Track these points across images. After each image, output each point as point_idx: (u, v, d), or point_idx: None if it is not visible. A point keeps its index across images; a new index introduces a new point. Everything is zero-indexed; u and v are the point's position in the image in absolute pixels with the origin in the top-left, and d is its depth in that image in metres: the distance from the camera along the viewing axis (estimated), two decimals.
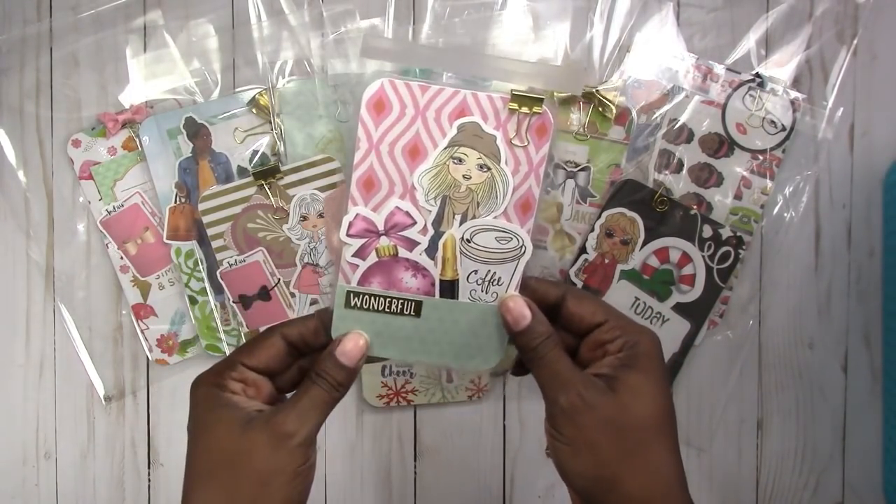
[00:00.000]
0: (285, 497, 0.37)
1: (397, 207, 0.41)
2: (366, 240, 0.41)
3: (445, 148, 0.41)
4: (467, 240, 0.42)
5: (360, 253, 0.41)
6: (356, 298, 0.42)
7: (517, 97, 0.41)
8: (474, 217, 0.41)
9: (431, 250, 0.42)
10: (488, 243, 0.42)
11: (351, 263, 0.42)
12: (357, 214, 0.41)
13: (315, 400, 0.39)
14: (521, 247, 0.42)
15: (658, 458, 0.38)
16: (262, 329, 0.57)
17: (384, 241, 0.42)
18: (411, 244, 0.42)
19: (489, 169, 0.41)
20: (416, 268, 0.42)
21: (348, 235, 0.41)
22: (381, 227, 0.41)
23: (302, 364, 0.42)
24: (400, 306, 0.42)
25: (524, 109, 0.41)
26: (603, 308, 0.41)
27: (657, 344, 0.40)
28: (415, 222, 0.41)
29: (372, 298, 0.42)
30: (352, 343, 0.40)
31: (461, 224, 0.41)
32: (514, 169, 0.41)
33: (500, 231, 0.42)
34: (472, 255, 0.42)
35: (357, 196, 0.41)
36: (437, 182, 0.41)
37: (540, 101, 0.41)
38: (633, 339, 0.39)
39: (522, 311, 0.40)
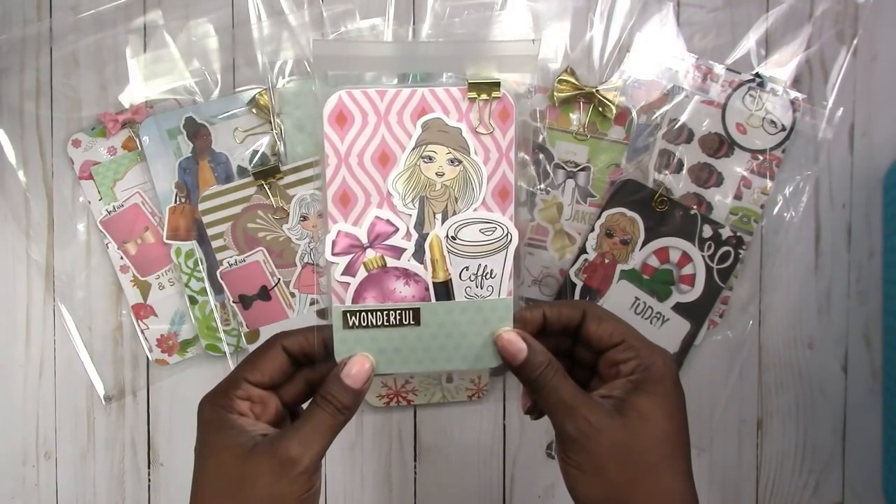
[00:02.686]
0: None
1: (377, 217, 0.41)
2: (352, 255, 0.41)
3: (413, 148, 0.41)
4: (452, 237, 0.41)
5: (349, 270, 0.41)
6: (353, 317, 0.41)
7: (474, 85, 0.40)
8: (454, 213, 0.41)
9: (419, 254, 0.41)
10: (474, 237, 0.41)
11: (341, 282, 0.41)
12: (339, 232, 0.41)
13: (319, 425, 0.38)
14: (507, 234, 0.41)
15: (668, 483, 0.37)
16: (261, 328, 0.57)
17: (370, 254, 0.41)
18: (398, 252, 0.41)
19: (460, 162, 0.41)
20: (407, 275, 0.41)
21: (333, 254, 0.41)
22: (364, 240, 0.41)
23: (307, 375, 0.42)
24: (399, 317, 0.41)
25: (483, 97, 0.41)
26: (620, 328, 0.41)
27: (671, 367, 0.39)
28: (397, 229, 0.41)
29: (369, 314, 0.41)
30: (358, 366, 0.40)
31: (443, 222, 0.41)
32: (484, 157, 0.41)
33: (482, 222, 0.41)
34: (460, 252, 0.41)
35: (335, 213, 0.41)
36: (412, 184, 0.41)
37: (497, 85, 0.41)
38: (646, 361, 0.39)
39: (518, 344, 0.40)
